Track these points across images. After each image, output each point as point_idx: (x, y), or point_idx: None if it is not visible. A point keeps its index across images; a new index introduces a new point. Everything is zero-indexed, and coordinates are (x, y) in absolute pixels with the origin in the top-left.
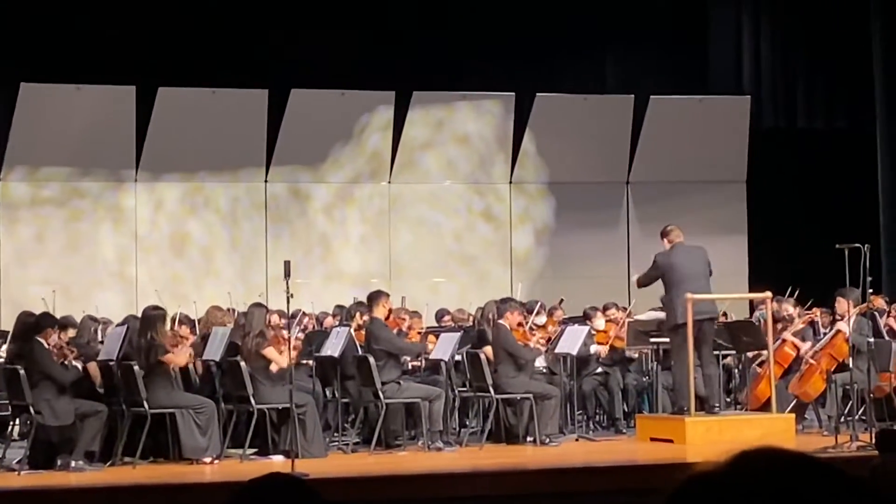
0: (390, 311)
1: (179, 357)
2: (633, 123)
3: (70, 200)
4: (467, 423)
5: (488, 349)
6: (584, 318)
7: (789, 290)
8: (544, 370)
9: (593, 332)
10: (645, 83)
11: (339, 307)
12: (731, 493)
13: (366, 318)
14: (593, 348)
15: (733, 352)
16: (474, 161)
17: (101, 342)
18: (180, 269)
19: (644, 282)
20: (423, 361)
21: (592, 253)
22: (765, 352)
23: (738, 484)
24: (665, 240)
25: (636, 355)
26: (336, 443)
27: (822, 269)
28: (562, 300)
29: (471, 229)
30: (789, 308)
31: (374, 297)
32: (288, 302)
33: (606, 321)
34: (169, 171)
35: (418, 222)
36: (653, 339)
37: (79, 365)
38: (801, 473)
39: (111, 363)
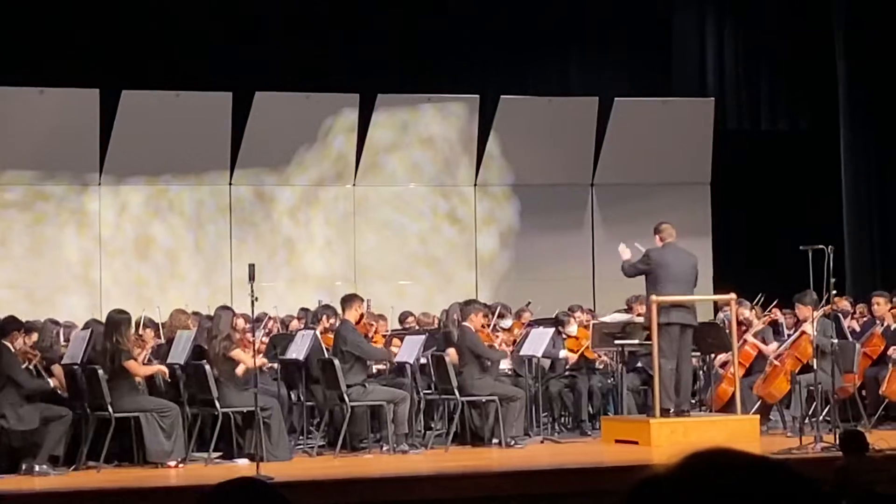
0: (362, 315)
1: (142, 369)
2: (598, 125)
3: (34, 204)
4: (432, 425)
5: (453, 351)
6: (557, 323)
7: (758, 296)
8: (509, 372)
9: (565, 336)
10: (609, 85)
11: (304, 310)
12: (682, 494)
13: (332, 320)
14: (562, 353)
15: (697, 353)
16: (439, 163)
17: (64, 345)
18: (145, 273)
19: (631, 272)
20: (388, 364)
21: (557, 255)
22: (728, 353)
23: (689, 485)
24: (657, 237)
25: (601, 366)
26: (301, 446)
27: (786, 271)
28: (529, 302)
29: (436, 232)
30: (745, 312)
31: (348, 299)
32: (252, 305)
33: (579, 327)
34: (133, 175)
35: (383, 225)
36: (618, 342)
37: (45, 376)
38: (751, 473)
39: (75, 367)
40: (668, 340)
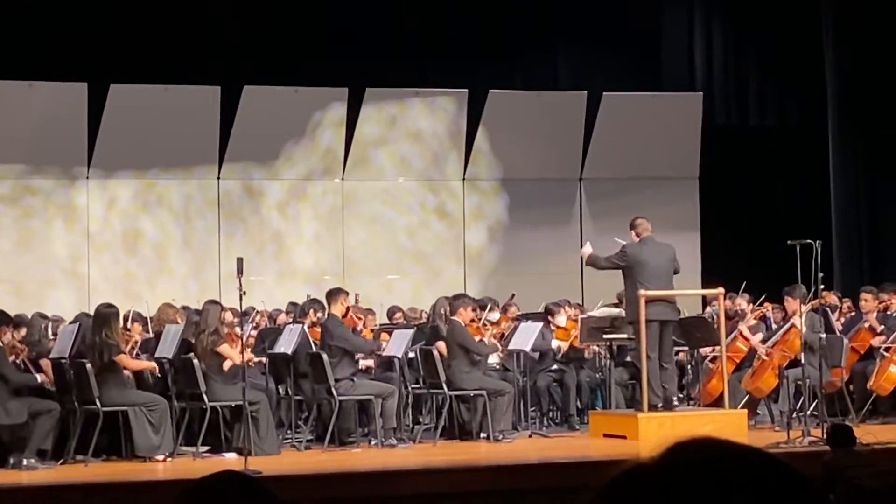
0: (348, 308)
1: (133, 363)
2: (586, 120)
3: (22, 198)
4: (421, 419)
5: (441, 345)
6: (547, 315)
7: (743, 286)
8: (498, 367)
9: (553, 327)
10: (598, 80)
11: (293, 304)
12: (665, 484)
13: (319, 315)
14: (554, 343)
15: (686, 348)
16: (427, 158)
17: (53, 339)
18: (133, 267)
19: (601, 264)
20: (376, 357)
21: (545, 249)
22: (717, 348)
23: (672, 475)
24: (633, 232)
25: (590, 356)
26: (289, 440)
27: (774, 266)
28: (513, 295)
29: (424, 226)
30: (742, 303)
31: (334, 293)
32: (241, 299)
33: (568, 319)
34: (121, 169)
35: (371, 219)
36: (606, 336)
37: (33, 371)
38: (736, 462)
39: (63, 361)
40: (648, 337)
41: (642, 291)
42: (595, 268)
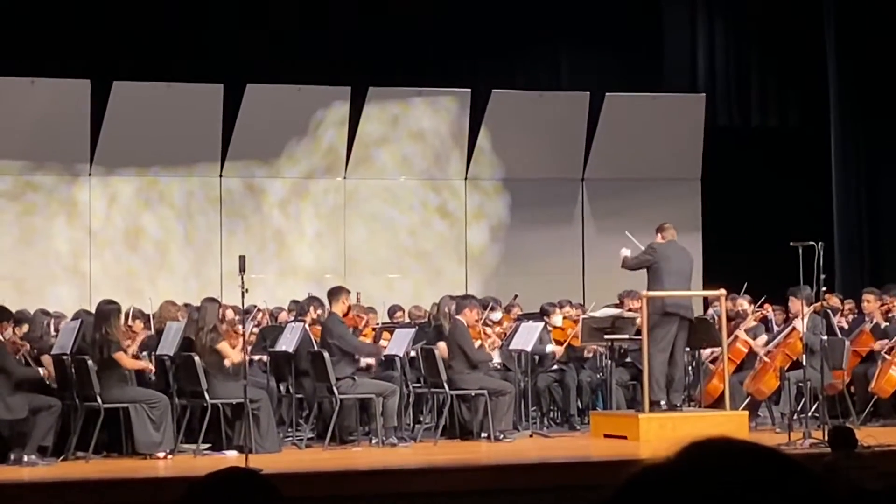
0: (349, 307)
1: (130, 362)
2: (589, 120)
3: (24, 194)
4: (421, 418)
5: (443, 345)
6: (542, 315)
7: (744, 287)
8: (499, 366)
9: (550, 328)
10: (600, 80)
11: (294, 302)
12: (683, 483)
13: (319, 312)
14: (549, 348)
15: (687, 349)
16: (430, 157)
17: (54, 336)
18: (134, 264)
19: (633, 264)
20: (376, 360)
21: (547, 249)
22: (718, 348)
23: (690, 474)
24: (659, 235)
25: (590, 355)
26: (290, 438)
27: (776, 267)
28: (516, 296)
29: (426, 225)
30: (744, 304)
31: (335, 292)
32: (243, 297)
33: (564, 318)
34: (123, 166)
35: (373, 218)
36: (607, 336)
37: (35, 366)
38: (752, 462)
39: (65, 357)
40: (666, 329)
41: (644, 293)
42: (627, 269)
